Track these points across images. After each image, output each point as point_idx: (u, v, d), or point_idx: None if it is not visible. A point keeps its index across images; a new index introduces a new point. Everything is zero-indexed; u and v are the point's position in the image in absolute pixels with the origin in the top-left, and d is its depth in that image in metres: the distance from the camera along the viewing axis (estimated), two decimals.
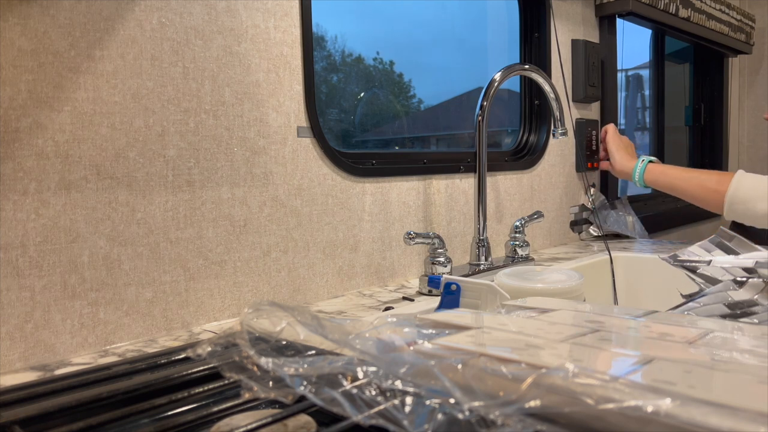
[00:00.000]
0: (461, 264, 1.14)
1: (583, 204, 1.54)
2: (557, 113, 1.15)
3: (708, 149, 2.39)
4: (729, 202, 1.13)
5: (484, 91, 1.08)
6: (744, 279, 0.68)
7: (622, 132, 1.48)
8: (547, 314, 0.51)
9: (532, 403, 0.32)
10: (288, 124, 0.89)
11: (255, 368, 0.38)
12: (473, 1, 1.52)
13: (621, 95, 2.03)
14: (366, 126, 1.35)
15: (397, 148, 1.41)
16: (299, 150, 0.91)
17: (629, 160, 1.36)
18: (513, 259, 1.16)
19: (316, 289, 0.94)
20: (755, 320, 0.63)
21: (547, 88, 1.13)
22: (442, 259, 0.99)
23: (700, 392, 0.31)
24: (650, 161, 1.30)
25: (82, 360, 0.68)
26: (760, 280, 0.66)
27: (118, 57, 0.71)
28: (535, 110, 1.45)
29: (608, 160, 1.42)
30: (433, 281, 0.95)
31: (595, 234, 1.55)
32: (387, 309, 0.88)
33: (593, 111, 1.60)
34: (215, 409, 0.44)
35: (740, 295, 0.66)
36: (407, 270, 1.09)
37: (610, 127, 1.45)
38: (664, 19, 1.73)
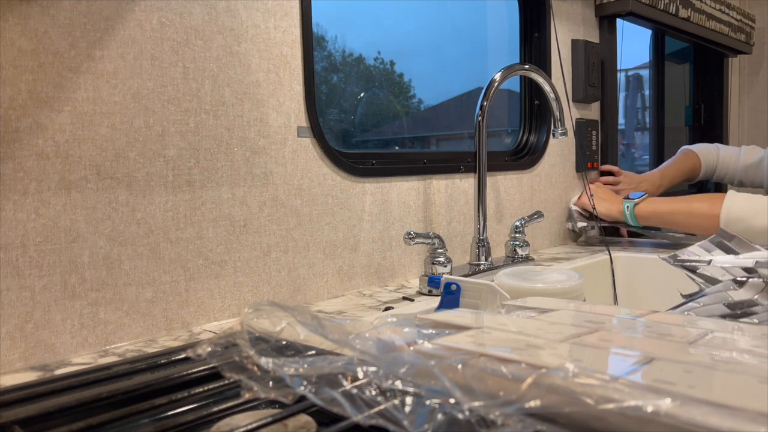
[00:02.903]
0: (461, 264, 1.14)
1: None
2: (557, 113, 1.15)
3: None
4: (725, 223, 1.13)
5: (484, 91, 1.08)
6: (744, 279, 0.68)
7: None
8: (547, 314, 0.51)
9: (532, 403, 0.32)
10: (288, 124, 0.89)
11: (255, 368, 0.37)
12: (473, 1, 1.52)
13: (621, 95, 2.03)
14: (366, 126, 1.35)
15: (397, 148, 1.41)
16: (299, 150, 0.91)
17: (613, 204, 1.36)
18: (513, 259, 1.16)
19: (316, 289, 0.94)
20: (755, 320, 0.63)
21: (547, 88, 1.13)
22: (442, 259, 0.99)
23: (700, 392, 0.31)
24: (635, 204, 1.31)
25: (82, 360, 0.68)
26: (760, 280, 0.66)
27: (118, 57, 0.71)
28: (535, 110, 1.45)
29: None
30: (433, 281, 0.95)
31: (587, 224, 1.54)
32: (387, 309, 0.88)
33: (593, 111, 1.60)
34: (215, 409, 0.44)
35: (740, 295, 0.66)
36: (407, 270, 1.09)
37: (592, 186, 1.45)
38: (664, 19, 1.73)
